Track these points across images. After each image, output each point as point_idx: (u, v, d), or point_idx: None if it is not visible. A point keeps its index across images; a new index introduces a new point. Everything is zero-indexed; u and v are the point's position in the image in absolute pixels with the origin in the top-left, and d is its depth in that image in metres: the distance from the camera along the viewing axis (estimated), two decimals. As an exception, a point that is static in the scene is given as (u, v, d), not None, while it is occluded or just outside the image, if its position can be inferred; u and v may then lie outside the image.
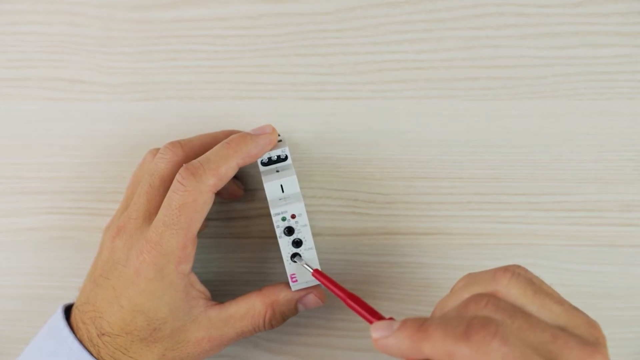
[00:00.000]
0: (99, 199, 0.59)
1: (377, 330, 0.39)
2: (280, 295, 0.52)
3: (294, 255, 0.51)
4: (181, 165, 0.50)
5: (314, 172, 0.57)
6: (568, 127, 0.55)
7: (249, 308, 0.51)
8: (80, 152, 0.58)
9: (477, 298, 0.38)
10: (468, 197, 0.56)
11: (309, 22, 0.56)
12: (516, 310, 0.37)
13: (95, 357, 0.48)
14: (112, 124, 0.58)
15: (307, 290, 0.52)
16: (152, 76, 0.58)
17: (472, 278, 0.41)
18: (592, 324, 0.38)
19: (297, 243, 0.50)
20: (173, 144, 0.52)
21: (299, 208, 0.50)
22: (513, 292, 0.39)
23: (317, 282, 0.51)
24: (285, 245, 0.50)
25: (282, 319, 0.52)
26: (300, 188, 0.52)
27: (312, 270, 0.50)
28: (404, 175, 0.57)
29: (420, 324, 0.38)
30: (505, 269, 0.39)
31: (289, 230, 0.50)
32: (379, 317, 0.43)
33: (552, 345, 0.36)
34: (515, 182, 0.56)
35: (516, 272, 0.39)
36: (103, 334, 0.49)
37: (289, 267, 0.51)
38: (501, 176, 0.56)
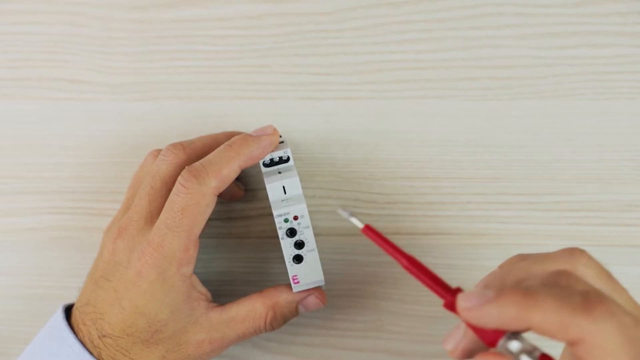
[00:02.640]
0: (99, 199, 0.59)
1: (469, 300, 0.37)
2: (281, 297, 0.52)
3: (296, 257, 0.51)
4: (183, 167, 0.50)
5: (314, 172, 0.57)
6: (568, 127, 0.55)
7: (250, 310, 0.51)
8: (80, 152, 0.58)
9: (566, 274, 0.37)
10: (468, 197, 0.56)
11: (309, 22, 0.56)
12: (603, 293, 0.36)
13: (96, 359, 0.48)
14: (112, 124, 0.58)
15: (308, 291, 0.52)
16: (152, 76, 0.58)
17: (538, 255, 0.39)
18: None
19: (300, 244, 0.50)
20: (174, 145, 0.52)
21: (301, 209, 0.50)
22: (590, 272, 0.38)
23: (318, 284, 0.51)
24: (287, 246, 0.50)
25: (283, 321, 0.52)
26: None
27: (362, 226, 0.43)
28: (404, 175, 0.57)
29: (525, 291, 0.35)
30: (582, 250, 0.39)
31: (291, 232, 0.50)
32: (444, 286, 0.40)
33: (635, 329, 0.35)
34: (515, 182, 0.56)
35: (591, 255, 0.39)
36: (104, 336, 0.49)
37: (291, 268, 0.51)
38: (501, 176, 0.56)
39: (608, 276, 0.39)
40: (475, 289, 0.41)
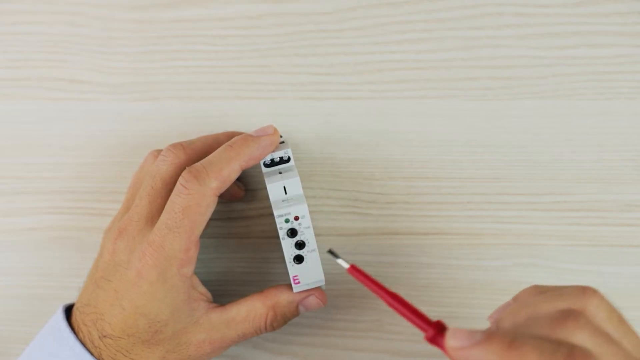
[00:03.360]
0: (99, 199, 0.59)
1: (456, 339, 0.38)
2: (282, 297, 0.52)
3: (296, 258, 0.51)
4: (183, 168, 0.50)
5: (314, 172, 0.57)
6: (568, 127, 0.55)
7: (250, 310, 0.51)
8: (80, 152, 0.58)
9: (574, 315, 0.37)
10: (468, 197, 0.56)
11: (309, 22, 0.56)
12: (610, 337, 0.36)
13: (96, 359, 0.48)
14: (112, 124, 0.58)
15: (309, 292, 0.52)
16: (152, 76, 0.58)
17: (551, 291, 0.40)
18: None
19: (300, 245, 0.50)
20: (175, 145, 0.52)
21: (302, 210, 0.50)
22: (601, 315, 0.38)
23: (319, 285, 0.51)
24: (288, 247, 0.50)
25: (284, 321, 0.52)
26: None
27: (348, 266, 0.46)
28: (404, 175, 0.57)
29: (511, 341, 0.36)
30: (594, 290, 0.38)
31: (292, 232, 0.50)
32: (425, 320, 0.42)
33: None
34: (515, 182, 0.56)
35: (603, 296, 0.38)
36: (105, 336, 0.49)
37: (292, 269, 0.51)
38: (501, 176, 0.56)
39: (619, 320, 0.38)
40: (489, 320, 0.42)
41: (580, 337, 0.36)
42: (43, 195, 0.59)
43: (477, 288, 0.56)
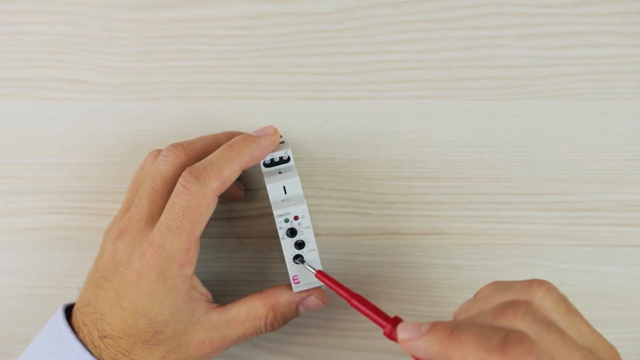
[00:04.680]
0: (99, 199, 0.59)
1: (405, 332, 0.39)
2: (282, 298, 0.52)
3: (296, 257, 0.51)
4: (183, 168, 0.50)
5: (314, 172, 0.57)
6: (568, 127, 0.55)
7: (250, 310, 0.51)
8: (80, 152, 0.58)
9: (514, 305, 0.38)
10: (468, 197, 0.56)
11: (309, 22, 0.56)
12: (552, 325, 0.37)
13: (97, 359, 0.48)
14: (112, 124, 0.58)
15: (309, 292, 0.52)
16: (152, 76, 0.58)
17: (502, 285, 0.41)
18: (613, 350, 0.39)
19: (300, 245, 0.50)
20: (175, 146, 0.52)
21: (301, 210, 0.50)
22: (547, 305, 0.39)
23: (320, 284, 0.51)
24: (287, 246, 0.50)
25: (284, 321, 0.53)
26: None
27: (315, 272, 0.50)
28: (404, 175, 0.57)
29: (452, 330, 0.38)
30: (541, 282, 0.39)
31: (292, 232, 0.50)
32: (384, 317, 0.44)
33: None
34: (515, 182, 0.56)
35: (551, 287, 0.39)
36: (105, 336, 0.49)
37: (292, 268, 0.51)
38: (501, 176, 0.56)
39: (567, 310, 0.39)
40: (452, 316, 0.43)
41: (519, 325, 0.37)
42: (43, 195, 0.59)
43: (477, 288, 0.56)
